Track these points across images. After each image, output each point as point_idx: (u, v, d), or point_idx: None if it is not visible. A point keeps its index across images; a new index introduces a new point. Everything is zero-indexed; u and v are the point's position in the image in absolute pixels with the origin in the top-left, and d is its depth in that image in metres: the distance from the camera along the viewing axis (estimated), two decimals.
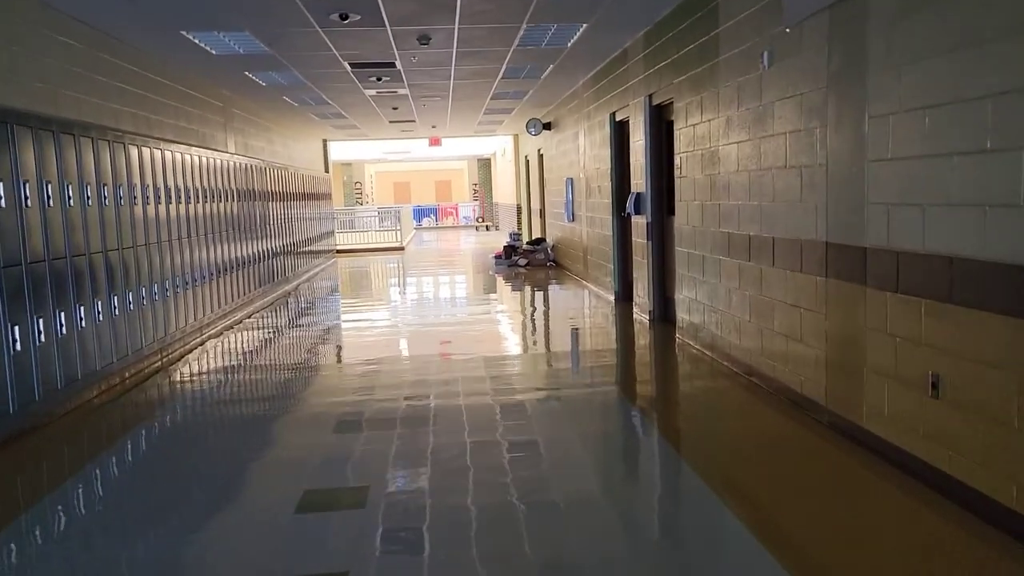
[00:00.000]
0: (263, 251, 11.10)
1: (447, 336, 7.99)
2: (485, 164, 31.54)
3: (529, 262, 14.22)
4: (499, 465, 3.98)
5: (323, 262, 16.16)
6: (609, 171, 9.34)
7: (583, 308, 9.55)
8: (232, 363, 7.18)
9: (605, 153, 9.52)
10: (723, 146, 5.66)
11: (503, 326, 8.75)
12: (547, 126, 13.99)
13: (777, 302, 4.85)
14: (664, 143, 7.50)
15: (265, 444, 4.54)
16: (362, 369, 6.64)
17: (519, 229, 18.32)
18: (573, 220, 12.02)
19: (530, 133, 14.23)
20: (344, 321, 9.69)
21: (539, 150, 15.82)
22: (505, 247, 14.96)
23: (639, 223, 8.00)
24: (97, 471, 4.24)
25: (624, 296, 9.26)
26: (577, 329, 8.27)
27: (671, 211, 7.41)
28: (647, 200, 7.71)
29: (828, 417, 4.28)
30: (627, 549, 3.06)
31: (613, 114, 9.11)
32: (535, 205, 17.01)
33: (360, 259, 18.24)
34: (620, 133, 9.11)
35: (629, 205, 8.01)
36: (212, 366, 7.00)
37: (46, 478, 4.21)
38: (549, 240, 14.54)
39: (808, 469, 3.84)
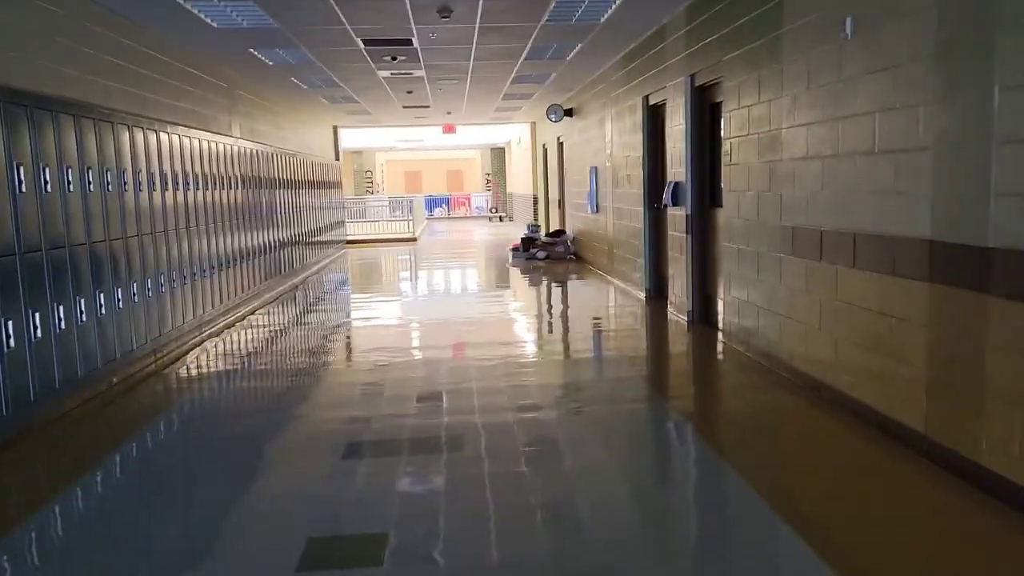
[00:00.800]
0: (269, 242, 10.50)
1: (463, 336, 7.35)
2: (499, 153, 30.85)
3: (548, 255, 13.56)
4: (531, 508, 3.34)
5: (333, 253, 15.55)
6: (641, 159, 8.66)
7: (610, 306, 8.89)
8: (230, 367, 6.57)
9: (636, 140, 8.84)
10: (787, 129, 4.98)
11: (523, 326, 8.10)
12: (568, 112, 13.30)
13: (858, 308, 4.18)
14: (708, 127, 6.82)
15: (261, 473, 3.90)
16: (372, 377, 6.00)
17: (536, 220, 17.64)
18: (597, 211, 11.35)
19: (550, 120, 13.54)
20: (354, 319, 9.07)
21: (559, 138, 15.13)
22: (523, 239, 14.30)
23: (677, 216, 7.33)
24: (55, 511, 3.61)
25: (656, 293, 8.60)
26: (607, 330, 7.63)
27: (715, 202, 6.74)
28: (687, 190, 7.04)
29: (927, 447, 3.61)
30: None
31: (646, 97, 8.42)
32: (553, 195, 16.33)
33: (371, 250, 17.62)
34: (654, 118, 8.43)
35: (666, 196, 7.33)
36: (208, 370, 6.39)
37: None
38: (569, 232, 13.87)
39: (912, 510, 3.18)
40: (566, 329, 7.97)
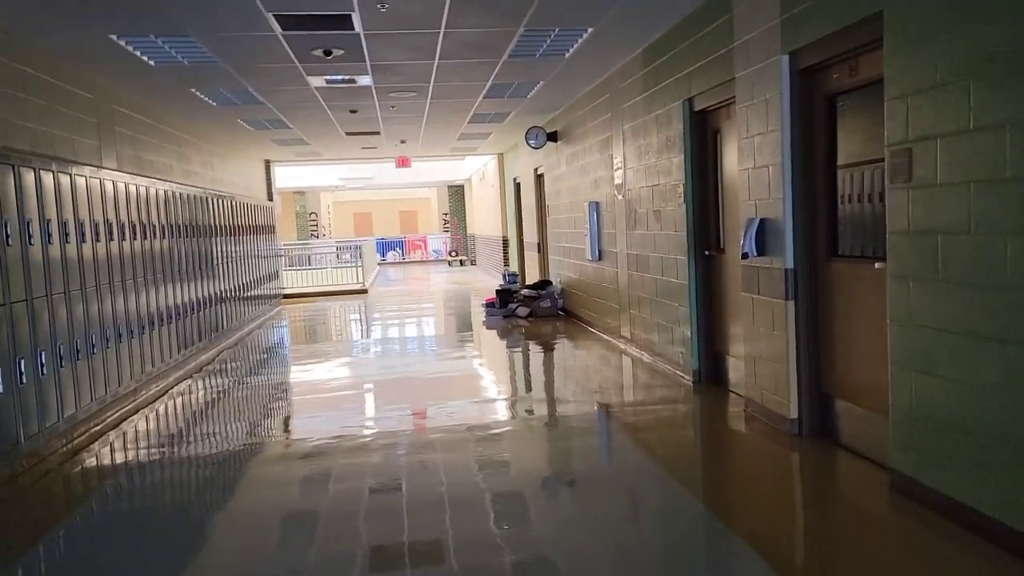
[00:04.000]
0: (186, 303, 7.77)
1: (437, 461, 4.65)
2: (457, 192, 28.34)
3: (532, 312, 10.95)
4: None
5: (267, 310, 12.71)
6: (681, 188, 6.16)
7: (644, 398, 6.28)
8: (125, 477, 3.76)
9: (671, 162, 6.35)
10: None
11: (528, 446, 5.38)
12: (552, 137, 10.82)
13: None
14: (823, 134, 4.34)
15: None
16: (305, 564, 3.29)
17: (510, 267, 15.04)
18: (600, 259, 8.81)
19: (530, 145, 11.04)
20: (280, 439, 6.27)
21: (536, 169, 12.64)
22: (498, 292, 11.68)
23: (766, 271, 4.79)
24: None
25: (710, 377, 6.05)
26: (660, 452, 4.93)
27: (834, 251, 4.24)
28: (785, 232, 4.53)
29: None
30: None
31: (690, 101, 5.96)
32: (529, 238, 13.79)
33: (313, 305, 14.78)
34: (702, 128, 5.96)
35: (746, 242, 4.80)
36: (95, 480, 3.60)
37: None
38: (556, 283, 11.30)
39: None
40: (592, 454, 5.29)
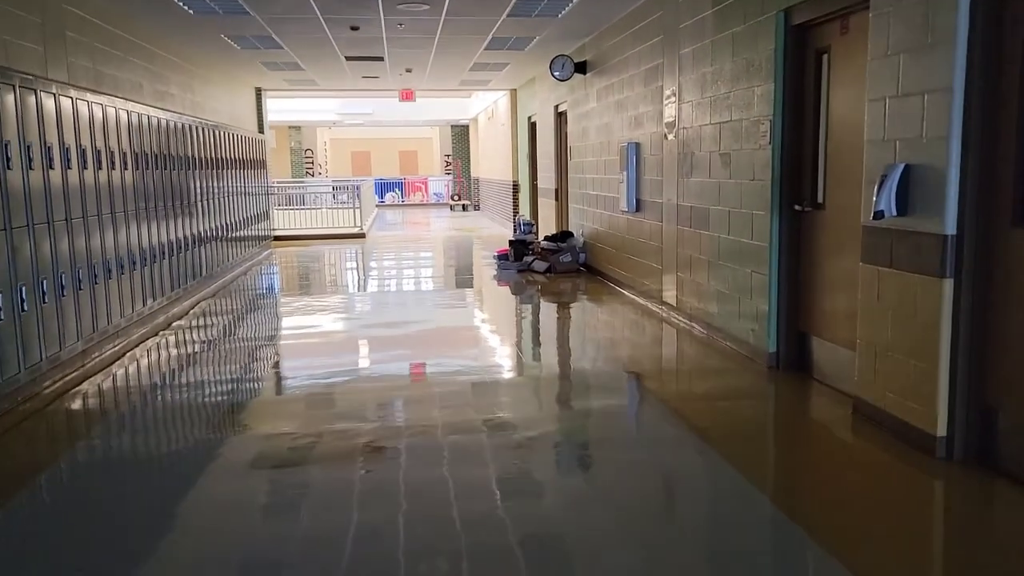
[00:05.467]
0: (169, 242, 6.64)
1: (439, 459, 3.52)
2: (461, 132, 26.83)
3: (551, 267, 9.75)
4: None
5: (256, 254, 11.48)
6: (766, 125, 4.91)
7: (706, 387, 5.11)
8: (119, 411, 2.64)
9: (753, 92, 5.07)
10: None
11: (548, 447, 4.25)
12: (581, 68, 9.46)
13: None
14: (1010, 58, 3.09)
15: None
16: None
17: (526, 216, 13.74)
18: (638, 210, 7.58)
19: (555, 76, 9.67)
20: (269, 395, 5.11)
21: (557, 107, 11.29)
22: (512, 243, 10.45)
23: (910, 237, 3.58)
24: None
25: (792, 362, 4.89)
26: (757, 481, 3.77)
27: (1023, 216, 3.03)
28: (948, 186, 3.31)
29: None
30: None
31: (787, 12, 4.66)
32: (545, 184, 12.50)
33: (308, 249, 13.53)
34: (800, 47, 4.68)
35: (884, 197, 3.56)
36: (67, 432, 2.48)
37: None
38: (578, 236, 10.07)
39: None
40: (647, 460, 4.14)
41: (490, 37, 9.10)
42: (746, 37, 5.16)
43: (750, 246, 5.19)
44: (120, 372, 5.41)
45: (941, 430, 3.42)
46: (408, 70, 12.06)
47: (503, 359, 5.96)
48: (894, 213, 3.56)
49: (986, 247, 3.27)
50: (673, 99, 6.52)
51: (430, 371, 5.60)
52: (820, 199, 4.60)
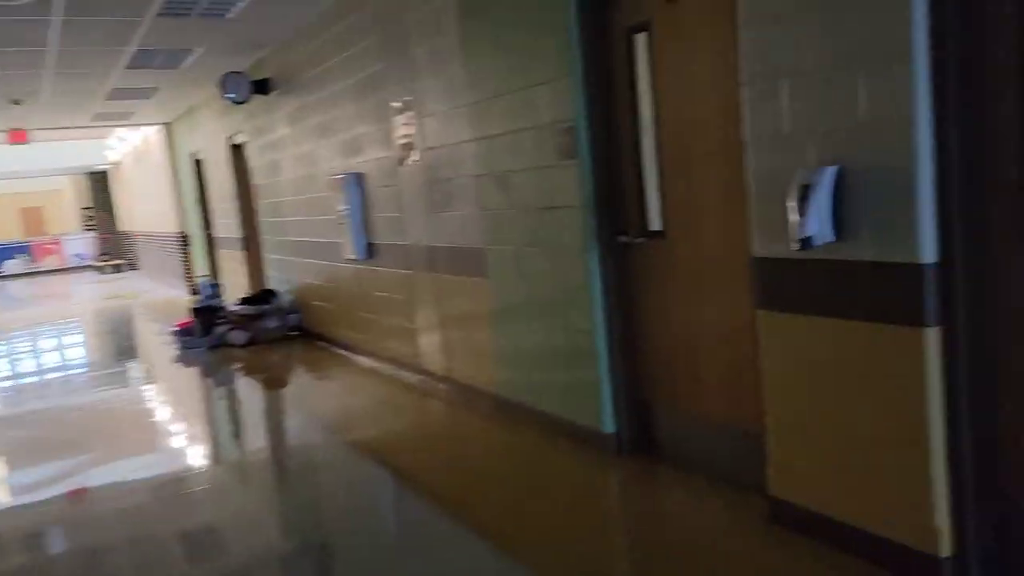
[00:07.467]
0: None
1: None
2: (102, 180, 22.69)
3: (252, 336, 7.71)
4: None
5: None
6: (565, 136, 3.66)
7: (535, 502, 3.70)
8: None
9: (536, 92, 3.81)
10: None
11: None
12: (260, 88, 7.59)
13: None
14: None
15: None
16: None
17: (208, 274, 11.16)
18: (370, 256, 5.99)
19: (229, 99, 7.64)
20: None
21: (231, 138, 9.23)
22: (196, 311, 8.15)
23: (856, 269, 2.50)
24: None
25: (634, 444, 3.68)
26: None
27: None
28: (918, 193, 2.27)
29: None
30: None
31: None
32: (225, 233, 10.29)
33: None
34: (600, 28, 3.51)
35: (811, 216, 2.44)
36: None
37: None
38: (284, 294, 8.13)
39: None
40: None
41: (134, 48, 6.87)
42: (516, 23, 3.89)
43: (558, 292, 3.91)
44: None
45: (945, 549, 2.37)
46: (16, 101, 9.10)
47: (190, 482, 3.98)
48: (832, 237, 2.47)
49: (981, 279, 2.27)
50: (408, 113, 5.06)
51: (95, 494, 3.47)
52: (657, 225, 3.45)
